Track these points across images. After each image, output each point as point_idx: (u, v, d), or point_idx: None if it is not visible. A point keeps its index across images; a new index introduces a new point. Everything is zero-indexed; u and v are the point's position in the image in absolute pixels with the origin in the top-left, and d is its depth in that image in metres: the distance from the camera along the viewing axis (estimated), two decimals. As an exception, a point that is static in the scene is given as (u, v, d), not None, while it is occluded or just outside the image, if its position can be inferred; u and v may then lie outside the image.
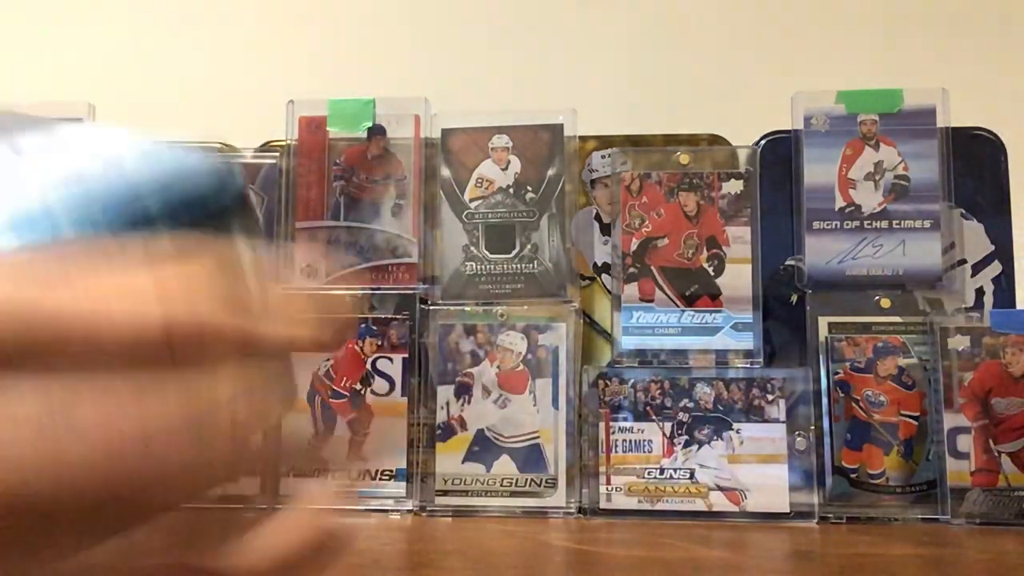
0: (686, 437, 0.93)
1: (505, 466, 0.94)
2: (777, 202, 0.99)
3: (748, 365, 0.94)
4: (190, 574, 0.32)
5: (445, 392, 0.96)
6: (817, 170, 0.98)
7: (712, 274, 0.97)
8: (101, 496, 0.28)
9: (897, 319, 0.95)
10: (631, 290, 0.97)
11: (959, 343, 0.92)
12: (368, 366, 0.97)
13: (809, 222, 0.97)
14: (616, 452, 0.93)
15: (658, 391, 0.94)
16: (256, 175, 1.02)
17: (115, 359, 0.28)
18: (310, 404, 0.97)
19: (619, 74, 1.35)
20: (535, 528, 0.89)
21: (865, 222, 0.97)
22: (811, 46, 1.33)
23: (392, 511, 0.94)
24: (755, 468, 0.91)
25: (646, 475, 0.92)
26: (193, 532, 0.33)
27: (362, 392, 0.97)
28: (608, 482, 0.92)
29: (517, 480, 0.94)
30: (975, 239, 0.98)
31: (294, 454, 0.41)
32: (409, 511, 0.94)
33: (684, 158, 0.99)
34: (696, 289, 0.97)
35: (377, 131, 1.02)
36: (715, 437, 0.92)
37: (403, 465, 0.95)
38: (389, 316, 0.98)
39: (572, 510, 0.93)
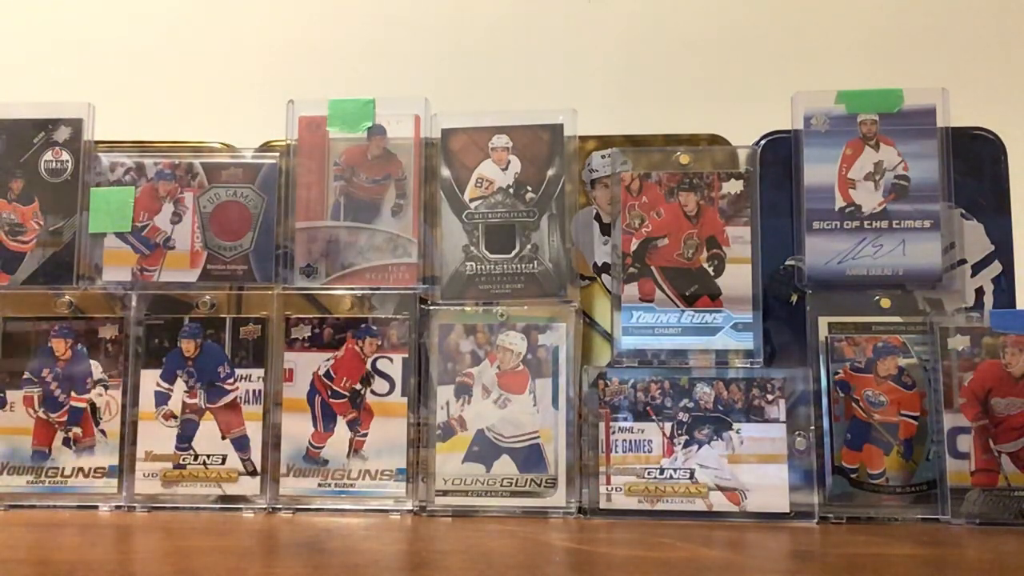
0: (686, 437, 0.93)
1: (505, 466, 0.94)
2: (777, 202, 0.99)
3: (748, 365, 0.94)
4: None
5: (445, 392, 0.96)
6: (817, 170, 0.98)
7: (712, 274, 0.97)
8: None
9: (897, 319, 0.95)
10: (631, 290, 0.97)
11: (959, 343, 0.92)
12: (368, 366, 0.97)
13: (809, 222, 0.97)
14: (616, 452, 0.93)
15: (658, 391, 0.94)
16: (256, 175, 1.02)
17: None
18: (310, 404, 0.97)
19: (619, 74, 1.35)
20: (535, 528, 0.89)
21: (865, 222, 0.97)
22: (811, 46, 1.33)
23: (392, 511, 0.94)
24: (755, 468, 0.91)
25: (646, 475, 0.92)
26: None
27: (362, 392, 0.97)
28: (608, 482, 0.93)
29: (517, 480, 0.94)
30: (975, 239, 0.98)
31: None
32: (409, 511, 0.94)
33: (684, 158, 0.99)
34: (696, 289, 0.97)
35: (377, 131, 1.02)
36: (715, 437, 0.92)
37: (403, 465, 0.95)
38: (389, 316, 0.98)
39: (572, 510, 0.93)
